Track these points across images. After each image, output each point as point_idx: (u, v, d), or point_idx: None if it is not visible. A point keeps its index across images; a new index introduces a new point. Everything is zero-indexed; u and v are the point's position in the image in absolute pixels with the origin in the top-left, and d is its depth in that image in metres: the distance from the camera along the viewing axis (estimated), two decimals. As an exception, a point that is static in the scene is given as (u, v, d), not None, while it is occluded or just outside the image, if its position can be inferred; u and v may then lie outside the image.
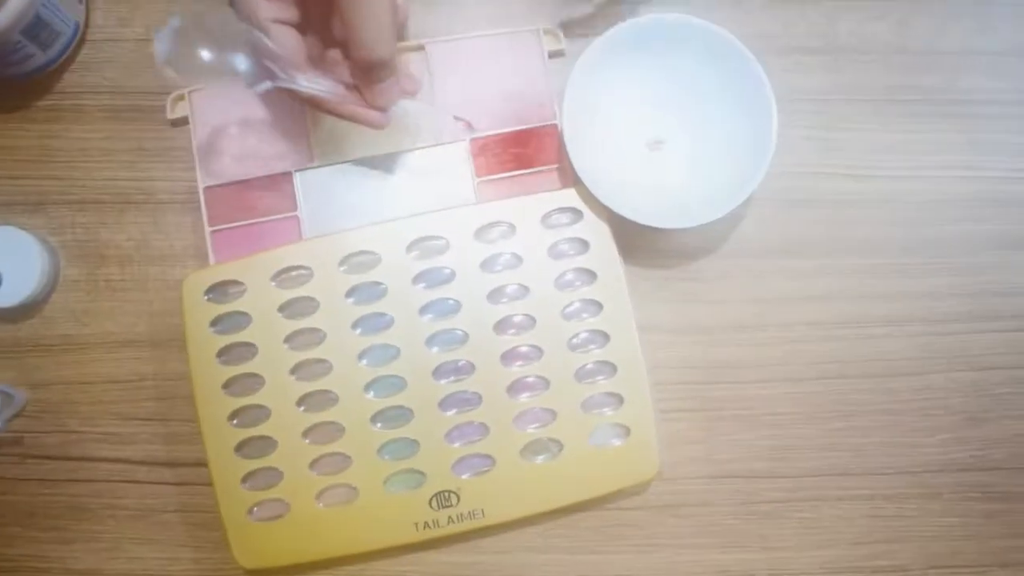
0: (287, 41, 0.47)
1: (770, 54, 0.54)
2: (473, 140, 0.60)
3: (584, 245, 0.56)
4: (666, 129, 0.61)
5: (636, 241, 0.59)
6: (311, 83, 0.48)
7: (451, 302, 0.55)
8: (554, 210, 0.56)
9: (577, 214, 0.56)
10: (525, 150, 0.60)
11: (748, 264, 0.59)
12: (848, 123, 0.60)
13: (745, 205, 0.56)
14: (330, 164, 0.59)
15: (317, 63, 0.49)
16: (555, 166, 0.58)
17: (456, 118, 0.56)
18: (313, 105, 0.50)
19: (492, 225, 0.55)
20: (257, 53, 0.45)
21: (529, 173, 0.59)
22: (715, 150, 0.59)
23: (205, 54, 0.45)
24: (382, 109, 0.50)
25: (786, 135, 0.57)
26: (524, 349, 0.55)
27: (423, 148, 0.60)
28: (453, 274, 0.55)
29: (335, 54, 0.50)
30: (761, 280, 0.59)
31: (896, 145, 0.60)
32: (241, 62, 0.46)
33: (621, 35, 0.55)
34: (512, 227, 0.56)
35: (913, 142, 0.60)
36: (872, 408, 0.61)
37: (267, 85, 0.47)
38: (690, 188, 0.59)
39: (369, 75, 0.48)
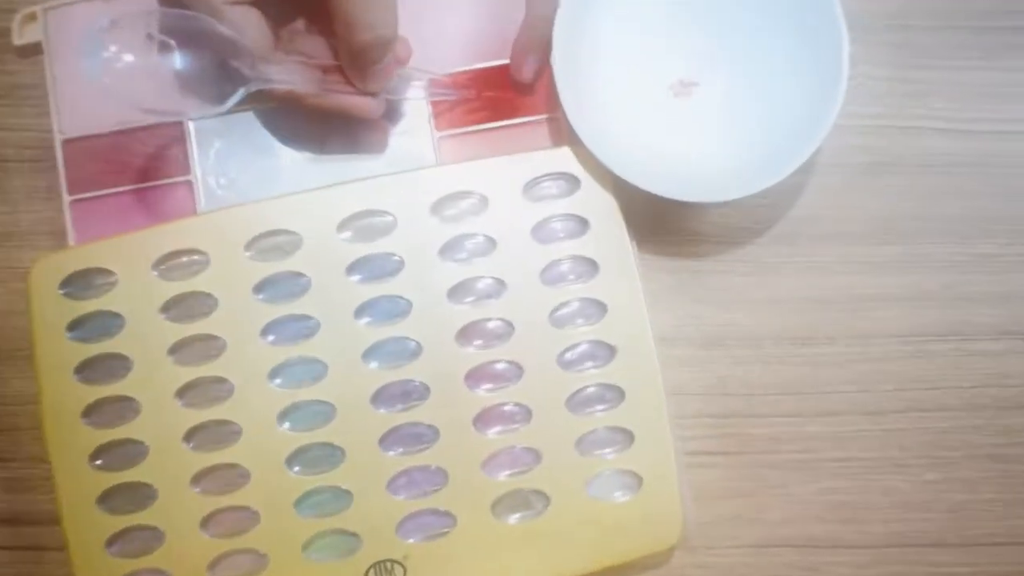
0: (250, 25, 0.45)
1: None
2: (433, 81, 0.54)
3: (582, 224, 0.53)
4: (697, 67, 0.56)
5: (654, 220, 0.55)
6: (286, 76, 0.47)
7: (399, 301, 0.51)
8: (542, 176, 0.53)
9: (573, 182, 0.53)
10: (504, 94, 0.56)
11: (807, 252, 0.56)
12: (938, 59, 0.57)
13: (803, 171, 0.53)
14: (238, 110, 0.54)
15: (287, 46, 0.48)
16: (544, 116, 0.55)
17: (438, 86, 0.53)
18: (290, 103, 0.49)
19: (457, 196, 0.52)
20: (214, 51, 0.43)
21: (509, 126, 0.55)
22: (763, 96, 0.55)
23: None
24: (375, 93, 0.50)
25: (857, 77, 0.54)
26: (499, 366, 0.52)
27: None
28: (402, 263, 0.52)
29: (300, 28, 0.49)
30: (826, 274, 0.56)
31: (1006, 89, 0.57)
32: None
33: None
34: (484, 199, 0.53)
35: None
36: (979, 452, 0.56)
37: (238, 96, 0.45)
38: (729, 148, 0.54)
39: (364, 57, 0.47)
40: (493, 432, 0.52)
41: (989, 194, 0.57)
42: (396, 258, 0.52)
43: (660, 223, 0.55)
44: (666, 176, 0.52)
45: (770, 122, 0.54)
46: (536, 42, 0.52)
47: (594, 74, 0.54)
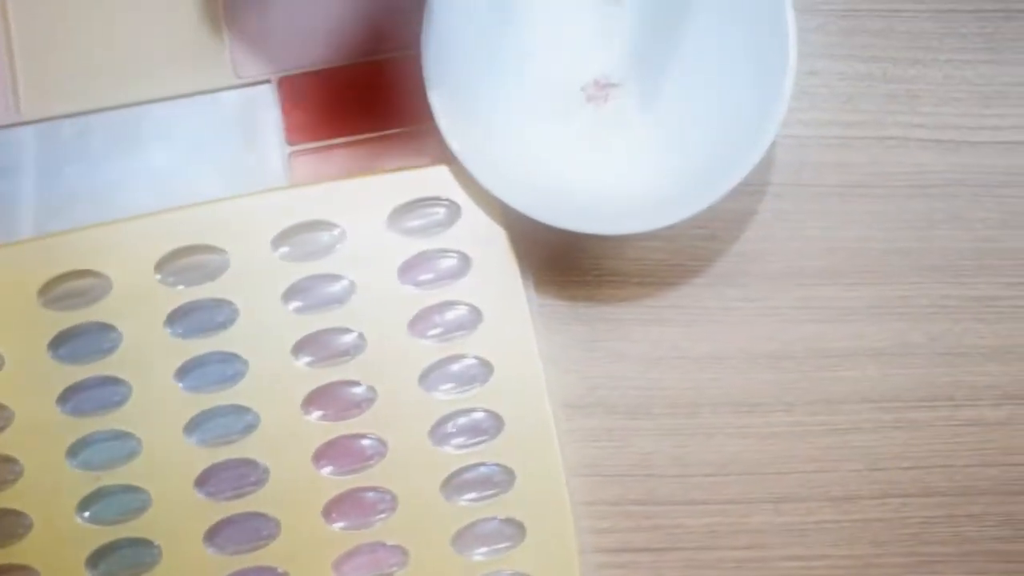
0: None
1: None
2: (283, 80, 0.53)
3: (463, 262, 0.52)
4: (614, 65, 0.54)
5: (558, 255, 0.54)
6: None
7: (231, 360, 0.50)
8: (413, 202, 0.52)
9: (452, 209, 0.52)
10: (370, 99, 0.54)
11: (758, 295, 0.54)
12: (929, 51, 0.56)
13: (754, 194, 0.52)
14: (41, 120, 0.54)
15: None
16: (421, 127, 0.53)
17: None
18: None
19: (306, 227, 0.51)
20: None
21: (376, 138, 0.54)
22: (697, 99, 0.53)
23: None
24: None
25: (816, 72, 0.54)
26: (357, 442, 0.51)
27: (198, 94, 0.54)
28: (236, 312, 0.51)
29: None
30: (781, 323, 0.54)
31: (1016, 88, 0.55)
32: None
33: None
34: (341, 231, 0.51)
35: None
36: (976, 549, 0.54)
37: None
38: (653, 165, 0.52)
39: None
40: (349, 524, 0.51)
41: (991, 221, 0.55)
42: (228, 307, 0.51)
43: (566, 259, 0.53)
44: (570, 202, 0.51)
45: (705, 131, 0.52)
46: None
47: (477, 72, 0.52)
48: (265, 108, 0.54)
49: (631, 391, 0.54)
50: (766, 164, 0.54)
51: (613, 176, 0.52)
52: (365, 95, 0.54)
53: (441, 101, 0.49)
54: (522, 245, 0.52)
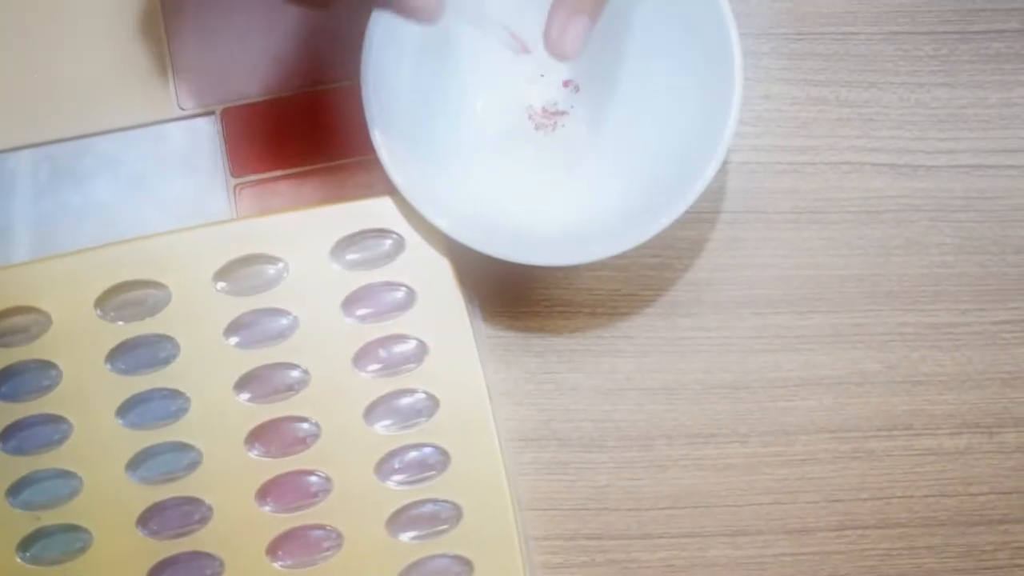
0: None
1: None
2: (226, 112, 0.53)
3: (408, 296, 0.51)
4: (562, 92, 0.54)
5: (507, 286, 0.53)
6: None
7: (173, 397, 0.50)
8: (356, 234, 0.51)
9: (397, 241, 0.51)
10: (315, 129, 0.54)
11: (712, 324, 0.54)
12: (885, 74, 0.55)
13: (706, 221, 0.52)
14: None
15: None
16: (368, 157, 0.52)
17: (511, 35, 0.50)
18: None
19: (248, 261, 0.51)
20: None
21: (323, 169, 0.54)
22: (644, 126, 0.52)
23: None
24: None
25: (769, 97, 0.54)
26: (301, 479, 0.50)
27: (141, 127, 0.54)
28: (177, 348, 0.50)
29: None
30: (735, 352, 0.54)
31: (973, 111, 0.55)
32: None
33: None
34: (284, 265, 0.51)
35: (996, 106, 0.55)
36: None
37: None
38: (601, 192, 0.52)
39: None
40: (294, 562, 0.50)
41: (948, 247, 0.55)
42: (169, 342, 0.50)
43: (516, 290, 0.53)
44: (516, 234, 0.50)
45: (654, 157, 0.52)
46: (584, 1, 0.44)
47: (418, 103, 0.51)
48: (209, 140, 0.54)
49: (584, 423, 0.53)
50: (719, 191, 0.54)
51: (561, 205, 0.52)
52: (310, 126, 0.54)
53: (382, 134, 0.49)
54: (469, 276, 0.51)
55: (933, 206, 0.55)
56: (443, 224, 0.48)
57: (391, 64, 0.50)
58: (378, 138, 0.49)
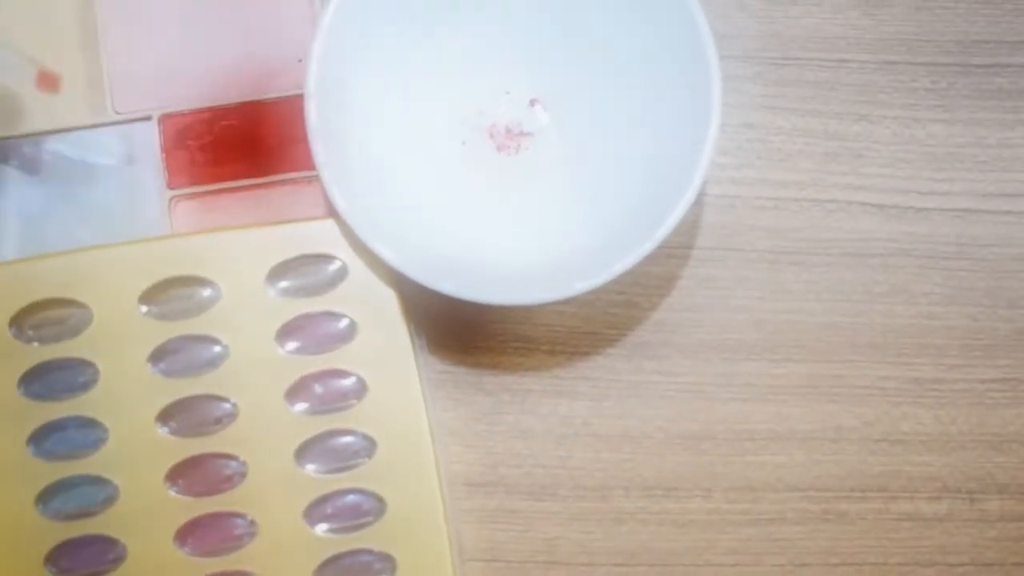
0: None
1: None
2: (165, 118, 0.50)
3: (349, 327, 0.48)
4: (528, 112, 0.51)
5: (457, 320, 0.50)
6: None
7: (92, 427, 0.47)
8: (294, 259, 0.48)
9: (339, 269, 0.48)
10: (260, 141, 0.51)
11: (678, 369, 0.51)
12: (876, 106, 0.53)
13: (676, 258, 0.50)
14: None
15: None
16: (316, 174, 0.48)
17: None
18: None
19: (180, 283, 0.48)
20: None
21: (266, 184, 0.51)
22: (615, 153, 0.49)
23: None
24: None
25: (751, 125, 0.51)
26: (225, 521, 0.47)
27: (71, 130, 0.50)
28: (97, 373, 0.47)
29: None
30: (702, 400, 0.51)
31: (970, 150, 0.52)
32: None
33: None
34: (216, 289, 0.48)
35: (996, 146, 0.52)
36: None
37: None
38: (565, 224, 0.49)
39: None
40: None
41: (937, 297, 0.52)
42: (90, 367, 0.47)
43: (467, 324, 0.50)
44: (470, 268, 0.47)
45: (625, 186, 0.49)
46: None
47: (366, 119, 0.48)
48: (145, 148, 0.51)
49: (536, 469, 0.50)
50: (692, 225, 0.51)
51: (521, 238, 0.49)
52: (254, 137, 0.51)
53: (325, 151, 0.45)
54: (417, 308, 0.48)
55: (923, 252, 0.52)
56: (388, 254, 0.45)
57: (339, 75, 0.47)
58: (320, 155, 0.45)
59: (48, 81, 0.49)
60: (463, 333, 0.50)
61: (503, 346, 0.51)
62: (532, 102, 0.50)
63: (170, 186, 0.50)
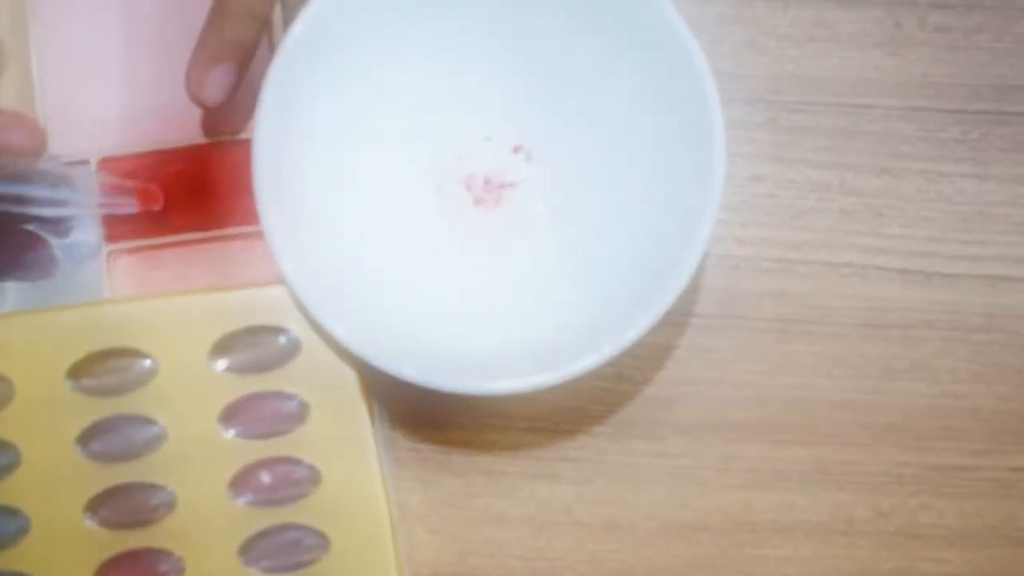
0: None
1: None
2: (104, 163, 0.46)
3: (300, 410, 0.44)
4: (511, 160, 0.46)
5: (424, 397, 0.44)
6: None
7: (12, 516, 0.43)
8: (242, 331, 0.44)
9: (290, 342, 0.44)
10: (208, 189, 0.47)
11: (672, 450, 0.47)
12: (900, 158, 0.48)
13: (672, 327, 0.46)
14: None
15: None
16: None
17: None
18: None
19: (112, 356, 0.44)
20: None
21: (214, 238, 0.46)
22: (601, 211, 0.45)
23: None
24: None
25: (759, 178, 0.48)
26: None
27: None
28: (18, 456, 0.43)
29: None
30: (697, 485, 0.47)
31: (993, 209, 0.48)
32: None
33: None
34: (153, 363, 0.44)
35: None
36: None
37: None
38: (550, 292, 0.45)
39: None
40: None
41: (963, 374, 0.47)
42: (10, 449, 0.43)
43: (437, 397, 0.44)
44: (436, 347, 0.43)
45: (616, 248, 0.45)
46: (228, 44, 0.43)
47: (326, 162, 0.44)
48: (81, 196, 0.45)
49: (512, 561, 0.47)
50: (691, 290, 0.46)
51: (497, 309, 0.44)
52: (204, 184, 0.46)
53: (272, 207, 0.41)
54: (379, 379, 0.43)
55: (948, 323, 0.48)
56: (342, 332, 0.41)
57: (294, 122, 0.42)
58: (267, 212, 0.41)
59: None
60: (431, 407, 0.46)
61: (476, 422, 0.47)
62: (515, 149, 0.46)
63: (108, 239, 0.46)
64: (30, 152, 0.41)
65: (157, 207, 0.45)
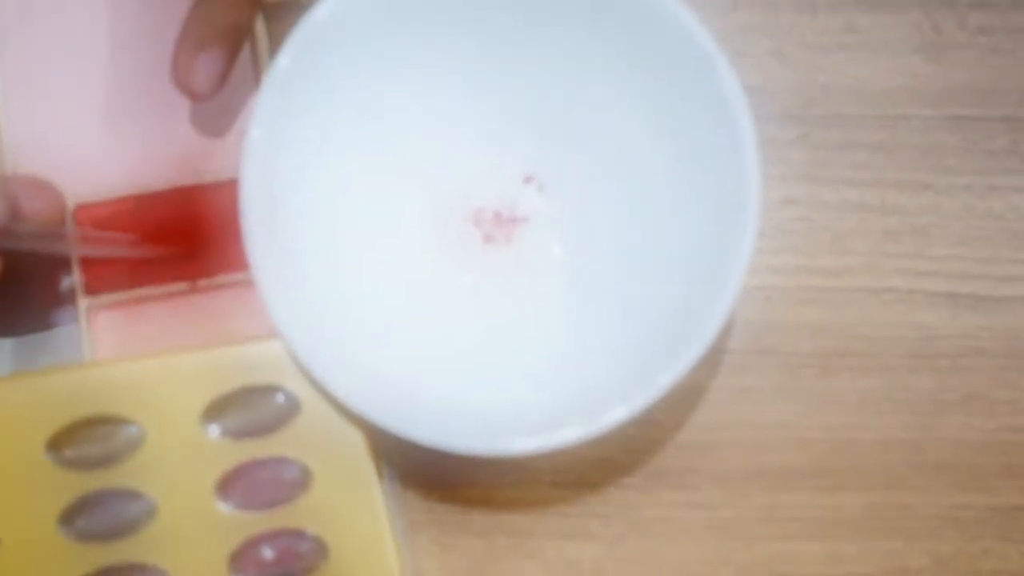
0: None
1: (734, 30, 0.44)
2: (81, 209, 0.43)
3: (302, 476, 0.40)
4: (523, 191, 0.42)
5: (440, 460, 0.41)
6: None
7: None
8: (237, 392, 0.40)
9: (289, 403, 0.40)
10: (193, 236, 0.43)
11: (709, 501, 0.44)
12: (939, 173, 0.45)
13: (704, 366, 0.40)
14: None
15: None
16: None
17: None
18: None
19: (95, 423, 0.40)
20: None
21: (204, 288, 0.43)
22: (629, 237, 0.42)
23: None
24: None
25: (793, 201, 0.45)
26: None
27: None
28: None
29: None
30: (735, 537, 0.43)
31: None
32: None
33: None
34: (141, 430, 0.40)
35: None
36: None
37: None
38: (566, 341, 0.41)
39: None
40: None
41: (1023, 406, 0.44)
42: None
43: (449, 459, 0.40)
44: (446, 404, 0.39)
45: (641, 285, 0.41)
46: (217, 28, 0.40)
47: (321, 203, 0.40)
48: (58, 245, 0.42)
49: None
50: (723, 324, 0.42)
51: (514, 359, 0.41)
52: (189, 229, 0.43)
53: (263, 254, 0.38)
54: (386, 440, 0.40)
55: (1002, 350, 0.44)
56: (344, 390, 0.38)
57: (286, 162, 0.39)
58: (258, 261, 0.37)
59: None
60: (446, 464, 0.42)
61: (496, 479, 0.43)
62: (527, 179, 0.42)
63: (87, 292, 0.43)
64: (50, 220, 0.40)
65: (136, 240, 0.42)
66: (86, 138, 0.43)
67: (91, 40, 0.44)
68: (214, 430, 0.41)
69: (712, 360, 0.44)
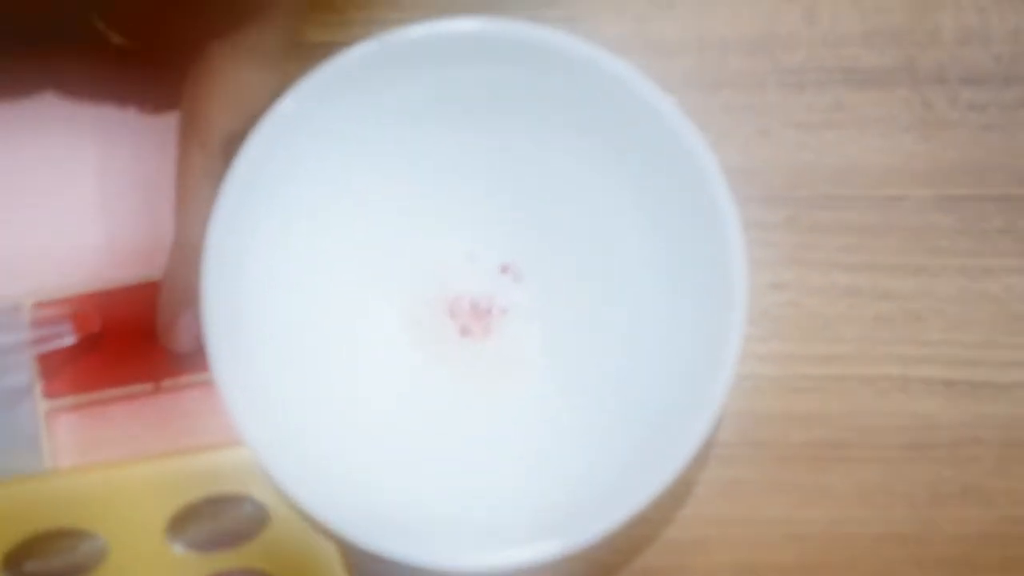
0: None
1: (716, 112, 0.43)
2: (40, 306, 0.41)
3: None
4: (496, 281, 0.41)
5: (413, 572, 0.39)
6: None
7: None
8: (203, 502, 0.39)
9: (258, 513, 0.39)
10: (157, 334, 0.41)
11: None
12: (934, 255, 0.44)
13: (698, 463, 0.40)
14: None
15: None
16: None
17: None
18: None
19: (54, 538, 0.38)
20: None
21: (169, 389, 0.41)
22: (610, 330, 0.40)
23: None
24: None
25: (781, 286, 0.44)
26: None
27: None
28: None
29: None
30: None
31: None
32: None
33: (359, 68, 0.37)
34: (102, 544, 0.38)
35: None
36: None
37: None
38: (548, 445, 0.40)
39: None
40: None
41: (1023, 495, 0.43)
42: None
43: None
44: (423, 515, 0.37)
45: (625, 382, 0.40)
46: (192, 289, 0.39)
47: (288, 296, 0.39)
48: (14, 345, 0.42)
49: None
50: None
51: (495, 464, 0.39)
52: (153, 327, 0.41)
53: (228, 364, 0.36)
54: (361, 554, 0.38)
55: (1001, 439, 0.43)
56: (314, 503, 0.36)
57: (247, 254, 0.38)
58: (221, 365, 0.36)
59: None
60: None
61: None
62: (503, 268, 0.41)
63: (47, 394, 0.41)
64: None
65: (95, 329, 0.41)
66: (45, 233, 0.42)
67: (43, 135, 0.43)
68: (179, 544, 0.39)
69: (700, 454, 0.42)
